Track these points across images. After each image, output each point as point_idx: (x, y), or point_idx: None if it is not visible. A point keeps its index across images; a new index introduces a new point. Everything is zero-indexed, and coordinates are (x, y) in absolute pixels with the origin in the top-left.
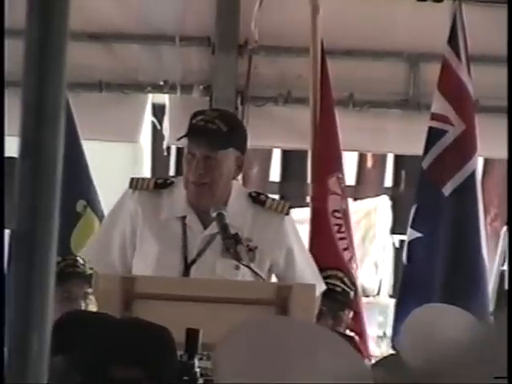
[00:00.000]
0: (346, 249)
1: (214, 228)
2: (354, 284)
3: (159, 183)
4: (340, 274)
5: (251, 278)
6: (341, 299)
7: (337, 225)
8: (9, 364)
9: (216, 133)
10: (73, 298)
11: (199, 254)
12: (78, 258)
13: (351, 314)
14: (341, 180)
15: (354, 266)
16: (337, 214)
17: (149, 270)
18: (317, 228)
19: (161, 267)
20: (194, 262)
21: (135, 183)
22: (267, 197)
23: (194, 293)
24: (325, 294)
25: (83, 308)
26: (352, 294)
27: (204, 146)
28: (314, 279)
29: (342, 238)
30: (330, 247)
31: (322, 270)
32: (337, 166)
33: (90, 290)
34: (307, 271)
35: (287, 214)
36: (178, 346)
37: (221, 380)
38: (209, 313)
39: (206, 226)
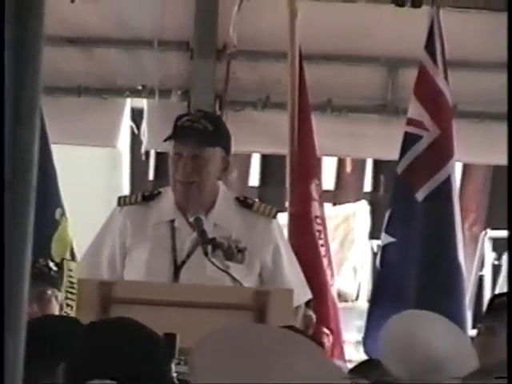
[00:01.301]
0: (324, 256)
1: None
2: None
3: (146, 195)
4: None
5: (241, 278)
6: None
7: (318, 231)
8: None
9: (203, 131)
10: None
11: (188, 256)
12: (48, 262)
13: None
14: (318, 186)
15: (330, 272)
16: (318, 220)
17: (139, 275)
18: (298, 233)
19: (150, 271)
20: (183, 263)
21: (123, 200)
22: (254, 200)
23: (172, 297)
24: None
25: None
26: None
27: (191, 144)
28: (299, 286)
29: (321, 245)
30: (314, 253)
31: None
32: (315, 172)
33: (49, 292)
34: (293, 277)
35: (274, 217)
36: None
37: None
38: (187, 317)
39: (194, 229)
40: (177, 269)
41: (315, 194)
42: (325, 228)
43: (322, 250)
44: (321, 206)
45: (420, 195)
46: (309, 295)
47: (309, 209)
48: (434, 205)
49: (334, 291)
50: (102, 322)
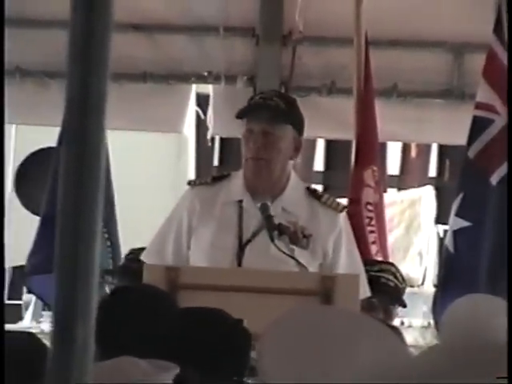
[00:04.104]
0: (373, 242)
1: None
2: (404, 279)
3: (216, 176)
4: (393, 269)
5: (305, 262)
6: (393, 294)
7: (368, 217)
8: (52, 357)
9: (275, 108)
10: None
11: (254, 236)
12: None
13: (399, 310)
14: (375, 172)
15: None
16: (369, 207)
17: (204, 252)
18: (351, 219)
19: (215, 248)
20: (248, 242)
21: (194, 181)
22: (324, 193)
23: (239, 283)
24: (377, 288)
25: None
26: (403, 289)
27: (263, 120)
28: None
29: (371, 232)
30: (360, 239)
31: (374, 264)
32: (372, 158)
33: None
34: (351, 271)
35: (341, 211)
36: None
37: (265, 370)
38: (253, 303)
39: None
40: (241, 247)
41: (370, 181)
42: (379, 215)
43: (372, 237)
44: (376, 192)
45: (494, 179)
46: (367, 294)
47: (359, 195)
48: (506, 189)
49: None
50: (195, 309)
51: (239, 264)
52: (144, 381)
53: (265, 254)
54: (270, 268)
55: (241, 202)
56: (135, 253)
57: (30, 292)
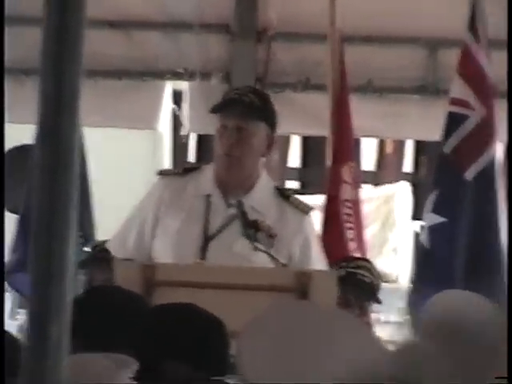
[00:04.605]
0: (351, 239)
1: (235, 208)
2: (380, 276)
3: (188, 168)
4: (369, 265)
5: (267, 265)
6: (368, 290)
7: (346, 214)
8: (28, 353)
9: (249, 105)
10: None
11: (219, 231)
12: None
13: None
14: (352, 169)
15: (359, 255)
16: (347, 204)
17: (168, 242)
18: (329, 216)
19: (180, 240)
20: (213, 237)
21: (164, 171)
22: (292, 194)
23: (215, 279)
24: (353, 284)
25: None
26: (378, 285)
27: (237, 116)
28: None
29: (349, 228)
30: (339, 236)
31: (350, 260)
32: (348, 154)
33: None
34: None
35: (308, 213)
36: None
37: (245, 367)
38: (229, 299)
39: (229, 206)
40: (206, 242)
41: (347, 177)
42: (356, 211)
43: (350, 234)
44: (354, 189)
45: (469, 175)
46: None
47: (337, 192)
48: (481, 184)
49: None
50: (168, 306)
51: (203, 258)
52: (103, 376)
53: (228, 250)
54: (233, 264)
55: (209, 196)
56: (100, 245)
57: (10, 288)
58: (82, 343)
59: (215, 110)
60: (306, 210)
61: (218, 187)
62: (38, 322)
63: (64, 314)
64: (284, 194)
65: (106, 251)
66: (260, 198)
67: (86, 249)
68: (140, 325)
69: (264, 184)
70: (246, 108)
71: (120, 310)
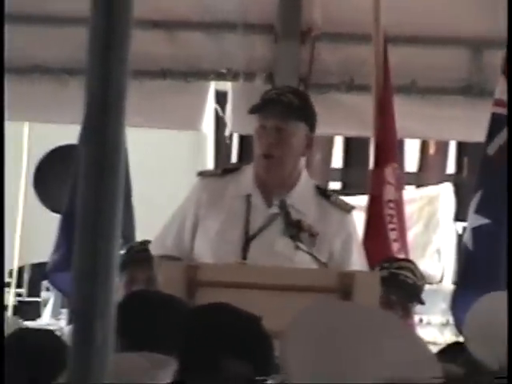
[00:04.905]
0: (395, 240)
1: (277, 208)
2: (423, 277)
3: (228, 169)
4: (412, 266)
5: (309, 264)
6: (411, 291)
7: (389, 215)
8: (73, 353)
9: (288, 105)
10: (135, 283)
11: (260, 231)
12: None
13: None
14: (395, 170)
15: (402, 256)
16: (390, 205)
17: (209, 243)
18: (372, 217)
19: (221, 241)
20: (254, 237)
21: (204, 172)
22: (333, 193)
23: (257, 280)
24: (396, 285)
25: None
26: (421, 286)
27: (276, 116)
28: None
29: (392, 229)
30: (382, 237)
31: (393, 261)
32: (392, 155)
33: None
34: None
35: (349, 212)
36: None
37: (288, 367)
38: (271, 300)
39: (270, 205)
40: (247, 242)
41: (390, 178)
42: (400, 212)
43: (393, 234)
44: (397, 190)
45: None
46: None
47: (381, 193)
48: None
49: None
50: (208, 307)
51: (244, 258)
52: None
53: (270, 250)
54: (274, 264)
55: (249, 196)
56: (137, 246)
57: (53, 287)
58: (125, 347)
59: (254, 110)
60: (347, 208)
61: (258, 187)
62: (83, 321)
63: (109, 313)
64: (325, 193)
65: (146, 251)
66: (301, 198)
67: (122, 251)
68: (181, 327)
69: (304, 183)
70: (284, 108)
71: (161, 313)
